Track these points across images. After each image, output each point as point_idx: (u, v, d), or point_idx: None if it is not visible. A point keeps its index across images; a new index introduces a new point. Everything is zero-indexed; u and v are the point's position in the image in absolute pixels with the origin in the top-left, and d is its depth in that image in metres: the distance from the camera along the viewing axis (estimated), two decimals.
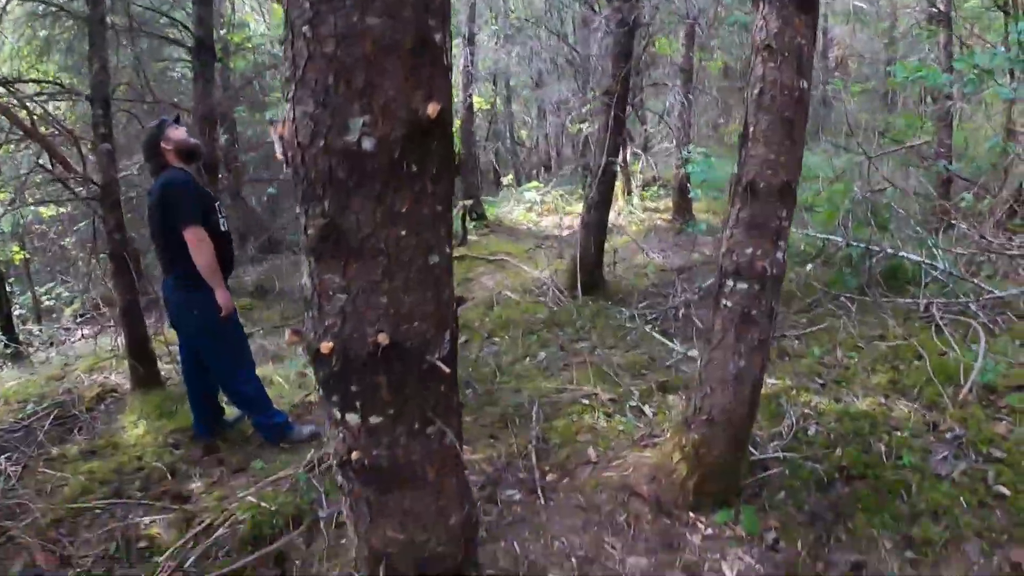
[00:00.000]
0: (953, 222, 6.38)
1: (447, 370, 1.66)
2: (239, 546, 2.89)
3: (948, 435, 3.25)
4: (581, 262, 5.76)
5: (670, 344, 4.90)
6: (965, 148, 8.17)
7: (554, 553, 2.73)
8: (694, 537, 2.76)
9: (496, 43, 8.94)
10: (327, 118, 1.46)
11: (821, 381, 4.19)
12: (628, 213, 9.23)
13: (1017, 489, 2.81)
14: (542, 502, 3.11)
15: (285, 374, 5.01)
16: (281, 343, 5.99)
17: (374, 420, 1.60)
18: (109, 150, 4.30)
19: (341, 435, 1.66)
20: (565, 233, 9.32)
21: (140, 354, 4.51)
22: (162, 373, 4.80)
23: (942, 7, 6.90)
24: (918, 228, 5.84)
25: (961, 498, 2.80)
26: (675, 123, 7.37)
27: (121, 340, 4.88)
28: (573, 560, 2.68)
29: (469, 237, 8.80)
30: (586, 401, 4.02)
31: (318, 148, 1.48)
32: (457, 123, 9.12)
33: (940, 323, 4.58)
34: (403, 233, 1.53)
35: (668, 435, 3.18)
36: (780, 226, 2.64)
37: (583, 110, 10.46)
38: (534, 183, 10.08)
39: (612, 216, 9.80)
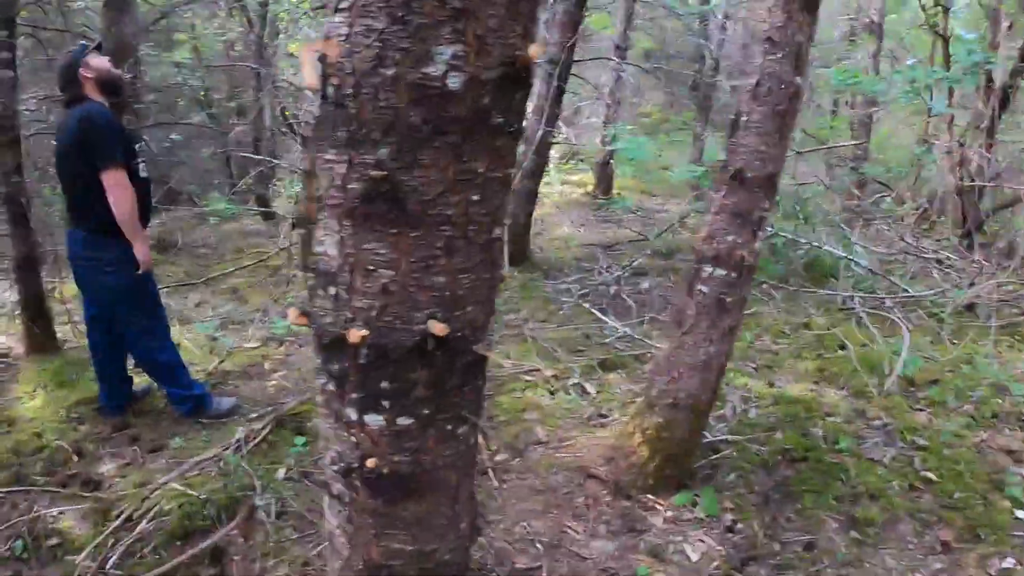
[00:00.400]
0: (871, 221, 6.80)
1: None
2: (167, 541, 2.60)
3: (876, 423, 3.46)
4: (510, 231, 5.67)
5: (607, 321, 4.92)
6: (880, 153, 8.73)
7: (517, 540, 2.67)
8: (655, 520, 2.78)
9: None
10: (403, 40, 1.11)
11: (754, 365, 4.37)
12: (546, 184, 9.19)
13: (942, 475, 3.03)
14: (495, 484, 3.04)
15: (194, 338, 4.62)
16: (187, 303, 5.53)
17: (403, 422, 1.38)
18: (11, 78, 3.71)
19: (353, 439, 1.43)
20: None
21: (36, 314, 3.99)
22: (58, 335, 4.28)
23: (875, 18, 7.29)
24: (842, 225, 6.17)
25: (894, 482, 2.99)
26: (606, 100, 7.37)
27: (13, 297, 4.30)
28: (538, 546, 2.63)
29: None
30: (528, 378, 3.96)
31: (383, 78, 1.14)
32: None
33: (861, 316, 4.84)
34: (475, 198, 1.25)
35: (626, 416, 3.19)
36: (762, 216, 2.66)
37: None
38: None
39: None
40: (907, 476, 3.04)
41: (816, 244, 5.93)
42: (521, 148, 5.78)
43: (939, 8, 7.40)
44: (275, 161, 7.45)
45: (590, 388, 3.97)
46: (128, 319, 3.32)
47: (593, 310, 5.17)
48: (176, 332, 4.71)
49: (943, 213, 7.75)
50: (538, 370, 4.01)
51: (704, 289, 2.69)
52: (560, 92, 5.50)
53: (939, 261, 6.36)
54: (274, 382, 4.01)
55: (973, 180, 7.03)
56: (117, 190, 3.00)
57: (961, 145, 6.88)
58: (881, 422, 3.45)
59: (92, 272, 3.22)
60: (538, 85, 5.87)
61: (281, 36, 8.62)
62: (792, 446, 3.23)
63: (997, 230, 7.24)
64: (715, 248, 2.64)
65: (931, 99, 6.63)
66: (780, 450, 3.21)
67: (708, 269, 2.67)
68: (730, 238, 2.62)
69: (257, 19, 7.34)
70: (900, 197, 7.24)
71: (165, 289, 5.66)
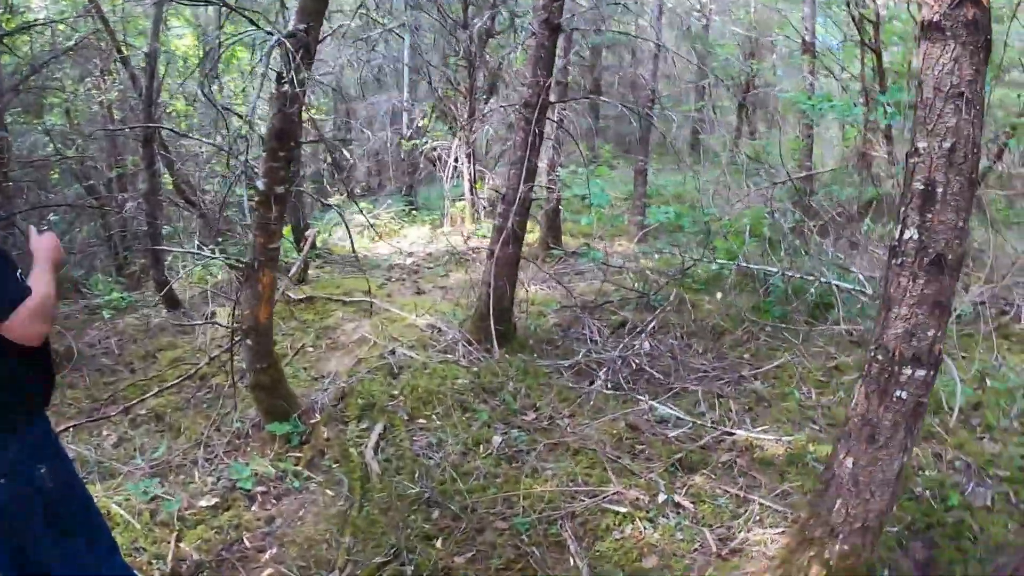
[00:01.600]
0: (856, 245, 6.53)
1: None
2: None
3: (958, 463, 3.41)
4: (494, 308, 4.79)
5: (650, 405, 4.22)
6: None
7: None
8: None
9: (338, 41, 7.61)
10: None
11: (816, 426, 4.13)
12: (480, 237, 8.40)
13: None
14: None
15: (126, 502, 3.40)
16: (101, 443, 4.22)
17: None
18: None
19: None
20: (408, 261, 8.26)
21: None
22: None
23: (808, 38, 7.22)
24: (839, 255, 5.83)
25: (1008, 525, 2.92)
26: (551, 143, 6.70)
27: None
28: None
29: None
30: (613, 507, 3.14)
31: None
32: None
33: None
34: None
35: (792, 542, 2.66)
36: (951, 302, 2.26)
37: (417, 124, 9.48)
38: (359, 204, 8.85)
39: (459, 241, 8.97)
40: (1012, 515, 3.00)
41: (823, 279, 5.54)
42: (499, 207, 4.98)
43: (868, 23, 7.41)
44: (186, 249, 6.18)
45: (684, 502, 3.23)
46: (61, 549, 2.11)
47: (620, 392, 4.43)
48: (97, 494, 3.47)
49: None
50: (619, 493, 3.19)
51: (903, 395, 2.29)
52: (538, 140, 4.76)
53: None
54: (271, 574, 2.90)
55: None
56: (30, 318, 1.92)
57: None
58: (962, 462, 3.39)
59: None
60: (511, 134, 5.12)
61: (167, 94, 7.37)
62: (911, 515, 3.03)
63: None
64: (914, 347, 2.25)
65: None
66: (906, 525, 2.98)
67: (908, 371, 2.27)
68: (930, 332, 2.24)
69: (142, 74, 6.12)
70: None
71: (69, 429, 4.34)
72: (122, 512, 3.28)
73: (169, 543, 3.07)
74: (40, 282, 2.02)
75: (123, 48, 6.56)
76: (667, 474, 3.52)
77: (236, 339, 3.88)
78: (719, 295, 6.11)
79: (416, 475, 3.37)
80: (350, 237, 4.89)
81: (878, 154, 8.64)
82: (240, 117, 3.54)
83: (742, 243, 6.32)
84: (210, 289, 6.66)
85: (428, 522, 3.04)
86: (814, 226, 7.03)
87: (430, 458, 3.57)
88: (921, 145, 2.16)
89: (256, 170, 3.46)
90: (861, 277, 5.85)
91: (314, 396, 4.25)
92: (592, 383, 4.60)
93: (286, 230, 8.38)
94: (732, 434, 4.04)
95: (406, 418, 3.90)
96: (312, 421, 3.97)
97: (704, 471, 3.62)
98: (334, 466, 3.59)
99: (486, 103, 8.12)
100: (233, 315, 3.82)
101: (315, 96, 8.31)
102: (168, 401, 4.73)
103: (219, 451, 4.02)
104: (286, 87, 3.11)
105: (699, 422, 4.16)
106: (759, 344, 5.30)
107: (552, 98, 4.83)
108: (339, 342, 5.28)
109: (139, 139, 6.55)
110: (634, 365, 4.80)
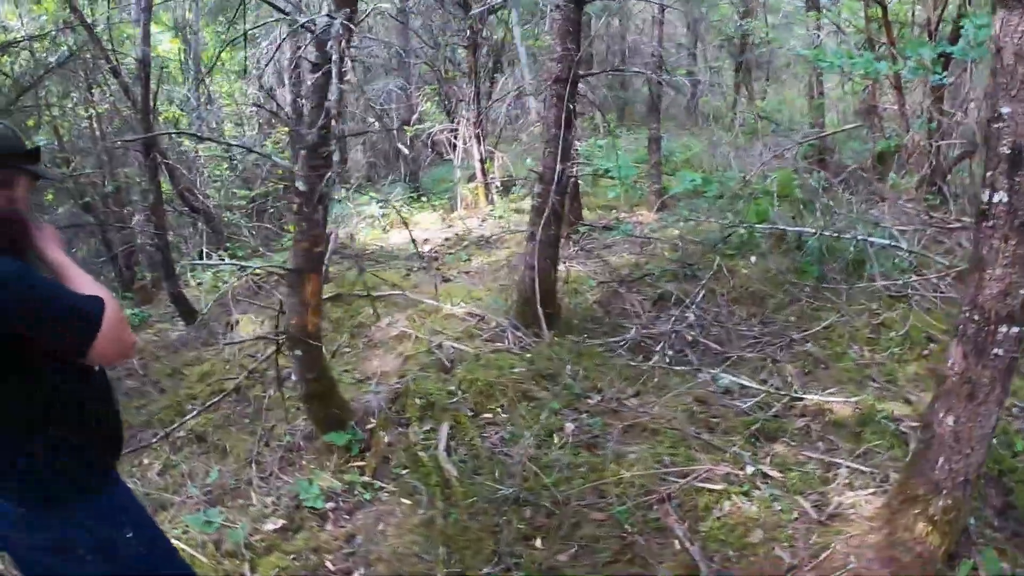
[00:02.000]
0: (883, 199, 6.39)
1: None
2: None
3: (1015, 410, 3.43)
4: (540, 289, 4.62)
5: (712, 376, 4.09)
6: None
7: None
8: None
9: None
10: None
11: (877, 385, 4.09)
12: (497, 219, 8.19)
13: None
14: None
15: (186, 535, 3.20)
16: (145, 473, 4.04)
17: None
18: None
19: None
20: (425, 249, 8.05)
21: None
22: None
23: None
24: (872, 211, 5.69)
25: None
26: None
27: None
28: None
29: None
30: (707, 484, 2.99)
31: None
32: None
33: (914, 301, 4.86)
34: None
35: (893, 502, 2.67)
36: None
37: (420, 109, 9.23)
38: (369, 193, 8.63)
39: (475, 225, 8.75)
40: None
41: (860, 237, 5.40)
42: (536, 188, 4.78)
43: None
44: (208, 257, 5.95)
45: (772, 472, 3.12)
46: None
47: (680, 367, 4.28)
48: (166, 527, 3.29)
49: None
50: (709, 470, 3.05)
51: (999, 352, 2.36)
52: (572, 116, 4.55)
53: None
54: None
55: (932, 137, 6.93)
56: (116, 326, 1.59)
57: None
58: (1019, 408, 3.44)
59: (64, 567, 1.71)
60: (543, 110, 4.90)
61: (164, 102, 7.09)
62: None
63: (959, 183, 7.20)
64: (1008, 304, 2.30)
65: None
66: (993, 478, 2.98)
67: (1004, 329, 2.32)
68: (1023, 291, 2.27)
69: (133, 81, 5.83)
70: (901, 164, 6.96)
71: None
72: (185, 547, 3.09)
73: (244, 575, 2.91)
74: (93, 285, 1.67)
75: (112, 57, 6.28)
76: (749, 445, 3.42)
77: (279, 348, 3.68)
78: (753, 259, 5.98)
79: (496, 474, 3.21)
80: (379, 228, 4.69)
81: (890, 107, 8.57)
82: (277, 114, 3.32)
83: (771, 205, 6.16)
84: (231, 297, 6.43)
85: (523, 522, 2.89)
86: (840, 183, 6.90)
87: (506, 454, 3.41)
88: (1005, 110, 2.18)
89: (294, 169, 3.25)
90: (895, 232, 5.75)
91: (366, 399, 4.06)
92: (649, 359, 4.45)
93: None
94: (800, 399, 3.96)
95: (470, 414, 3.73)
96: (369, 427, 3.80)
97: (783, 439, 3.53)
98: (404, 472, 3.42)
99: (490, 83, 7.87)
100: (278, 324, 3.62)
101: None
102: (207, 420, 4.54)
103: (272, 468, 3.84)
104: (325, 78, 2.90)
105: (764, 389, 4.08)
106: (802, 306, 5.21)
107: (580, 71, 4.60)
108: (376, 339, 5.09)
109: (138, 150, 6.30)
110: (689, 338, 4.64)
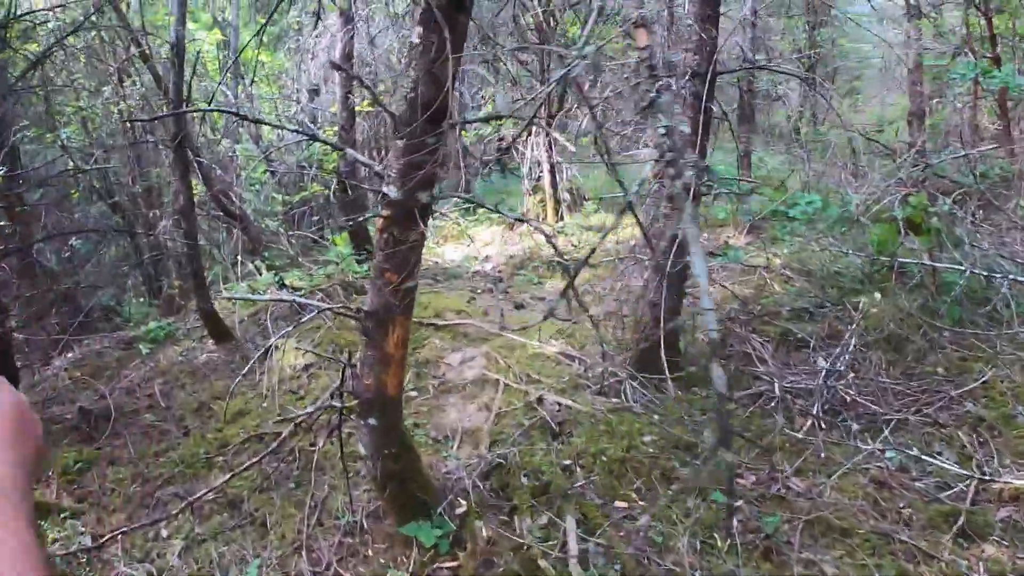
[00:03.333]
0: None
1: None
2: None
3: None
4: (664, 331, 3.66)
5: (882, 449, 3.13)
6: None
7: None
8: None
9: None
10: None
11: None
12: (568, 237, 7.27)
13: None
14: None
15: None
16: (167, 551, 3.15)
17: None
18: None
19: None
20: (488, 268, 7.17)
21: None
22: None
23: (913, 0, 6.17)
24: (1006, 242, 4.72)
25: None
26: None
27: None
28: None
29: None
30: None
31: None
32: None
33: None
34: None
35: None
36: None
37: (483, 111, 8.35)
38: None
39: (544, 241, 7.82)
40: None
41: (1010, 276, 4.42)
42: (664, 205, 3.85)
43: None
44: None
45: None
46: None
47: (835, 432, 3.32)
48: None
49: None
50: None
51: None
52: (709, 119, 3.65)
53: None
54: None
55: None
56: None
57: None
58: None
59: None
60: (676, 108, 3.98)
61: (198, 94, 6.29)
62: None
63: None
64: None
65: None
66: None
67: None
68: None
69: (169, 72, 5.04)
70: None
71: (118, 537, 3.24)
72: None
73: None
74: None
75: (142, 41, 5.50)
76: (958, 548, 2.63)
77: (342, 416, 2.77)
78: (877, 296, 5.00)
79: None
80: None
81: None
82: (362, 80, 2.46)
83: (898, 233, 5.18)
84: (268, 315, 5.59)
85: None
86: (975, 211, 5.92)
87: (656, 562, 2.47)
88: None
89: (382, 170, 2.38)
90: None
91: (449, 471, 3.15)
92: (793, 421, 3.51)
93: (341, 237, 7.29)
94: (991, 480, 3.06)
95: (599, 502, 2.79)
96: (459, 511, 2.88)
97: (991, 537, 2.74)
98: None
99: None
100: (342, 382, 2.70)
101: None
102: (242, 479, 3.66)
103: (328, 559, 2.96)
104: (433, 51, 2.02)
105: (947, 465, 3.20)
106: (947, 354, 4.30)
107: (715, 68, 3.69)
108: (450, 382, 4.18)
109: (168, 145, 5.51)
110: (847, 397, 3.68)
